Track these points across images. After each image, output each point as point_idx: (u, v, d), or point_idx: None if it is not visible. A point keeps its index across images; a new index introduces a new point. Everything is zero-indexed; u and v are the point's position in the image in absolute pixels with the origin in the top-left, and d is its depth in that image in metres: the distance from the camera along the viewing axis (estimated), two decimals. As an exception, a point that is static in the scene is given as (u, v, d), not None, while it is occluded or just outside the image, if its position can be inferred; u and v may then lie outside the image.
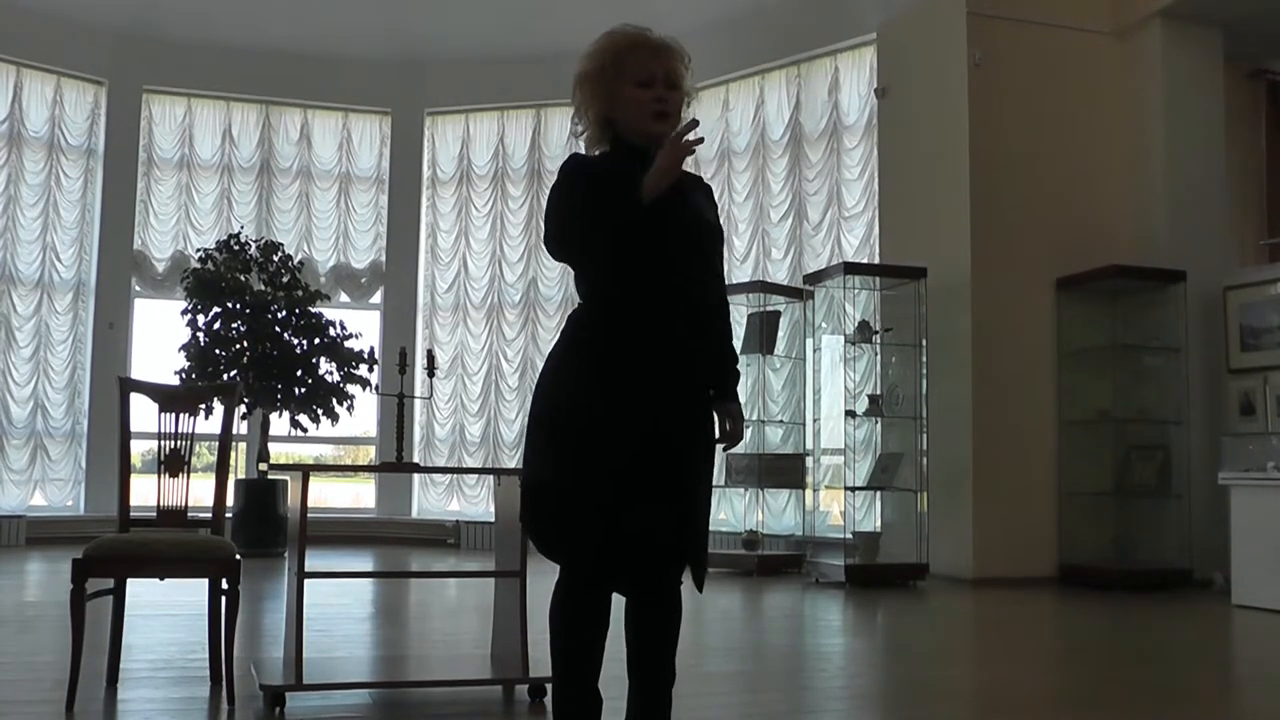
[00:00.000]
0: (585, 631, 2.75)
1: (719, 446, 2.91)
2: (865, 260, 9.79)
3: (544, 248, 2.82)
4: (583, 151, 2.91)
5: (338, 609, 6.54)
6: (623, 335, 2.72)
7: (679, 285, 2.76)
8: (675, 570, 2.80)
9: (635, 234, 2.69)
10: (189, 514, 4.21)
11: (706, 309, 2.83)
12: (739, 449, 9.55)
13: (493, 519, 4.77)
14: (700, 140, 2.72)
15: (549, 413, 2.76)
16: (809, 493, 9.45)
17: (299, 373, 10.29)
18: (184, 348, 10.14)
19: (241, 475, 10.63)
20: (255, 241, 10.81)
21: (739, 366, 2.97)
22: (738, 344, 9.65)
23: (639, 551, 2.70)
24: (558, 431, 2.72)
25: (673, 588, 2.83)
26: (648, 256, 2.73)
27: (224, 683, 3.88)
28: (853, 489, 8.72)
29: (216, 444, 4.31)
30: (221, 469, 4.29)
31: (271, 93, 12.22)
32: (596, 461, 2.67)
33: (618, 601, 2.80)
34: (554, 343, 2.87)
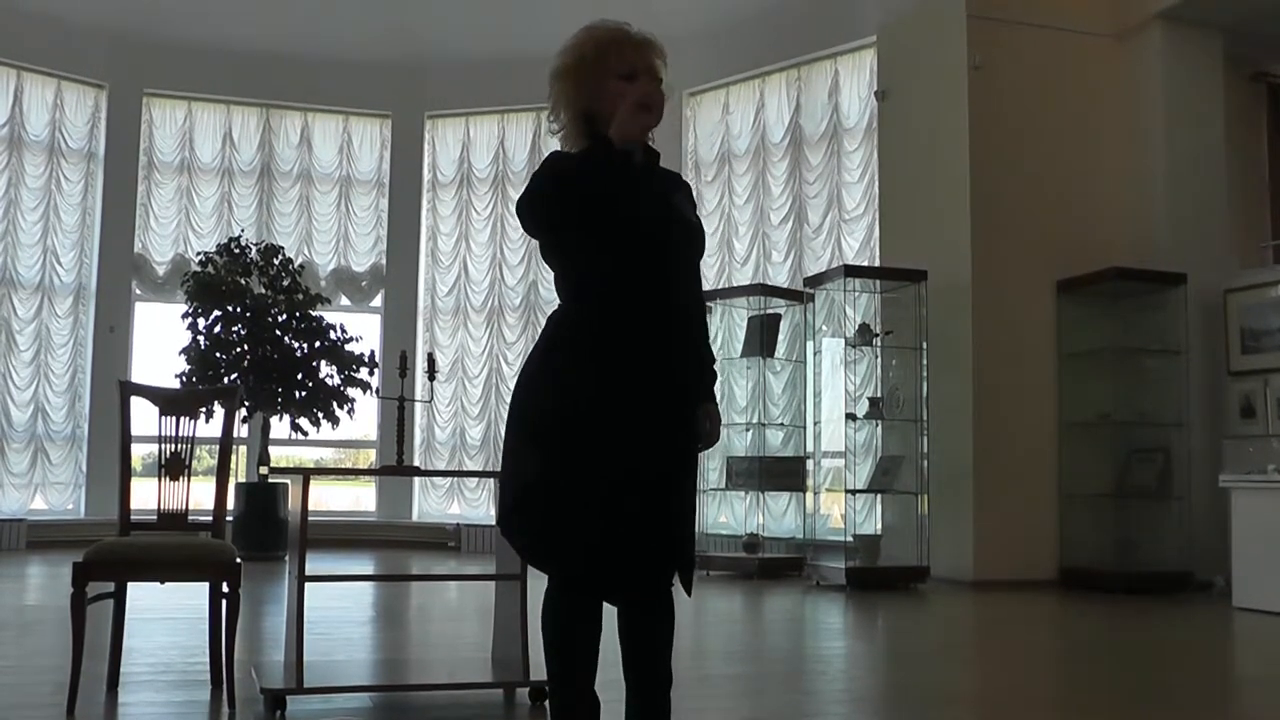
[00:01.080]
0: (578, 637, 2.74)
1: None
2: (865, 263, 9.79)
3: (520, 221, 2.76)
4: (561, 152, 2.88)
5: (338, 612, 6.54)
6: (605, 336, 2.70)
7: (660, 285, 2.74)
8: (666, 574, 2.79)
9: (619, 232, 2.68)
10: (189, 517, 4.20)
11: (686, 310, 2.82)
12: (739, 452, 9.61)
13: (493, 522, 4.76)
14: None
15: (533, 416, 2.73)
16: (809, 495, 9.44)
17: (299, 376, 10.29)
18: (184, 351, 10.14)
19: (242, 479, 10.63)
20: (256, 245, 10.81)
21: (715, 367, 2.96)
22: (738, 347, 9.72)
23: (629, 556, 2.68)
24: (542, 435, 2.69)
25: (664, 592, 2.81)
26: (629, 256, 2.71)
27: (225, 686, 3.88)
28: (853, 492, 8.72)
29: (217, 447, 4.31)
30: (222, 472, 4.28)
31: (272, 96, 12.23)
32: (583, 465, 2.65)
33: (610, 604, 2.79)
34: (534, 346, 2.84)
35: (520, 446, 2.74)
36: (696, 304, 2.89)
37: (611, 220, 2.69)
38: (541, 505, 2.68)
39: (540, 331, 2.87)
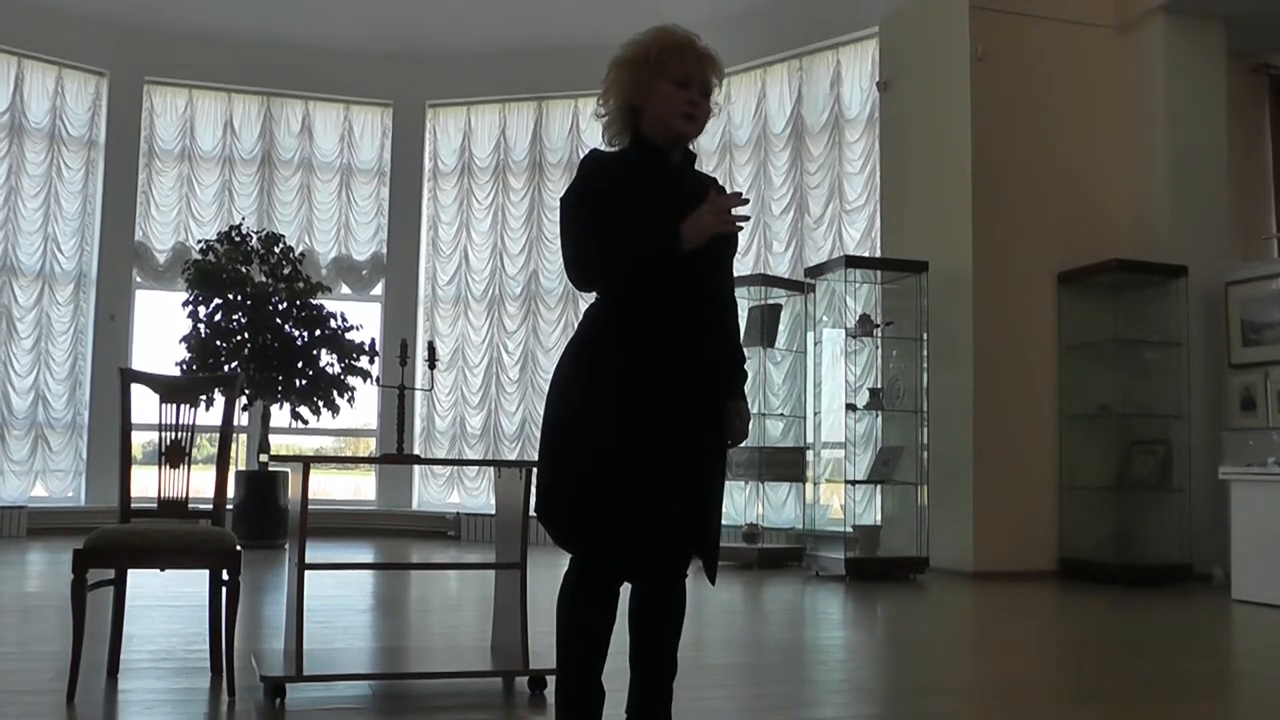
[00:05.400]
0: (592, 624, 2.78)
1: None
2: (866, 254, 9.79)
3: (567, 275, 2.84)
4: (592, 143, 2.93)
5: (338, 601, 6.55)
6: (640, 336, 2.74)
7: (695, 287, 2.78)
8: (682, 563, 2.83)
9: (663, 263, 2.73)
10: (190, 505, 4.21)
11: (720, 310, 2.88)
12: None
13: (493, 511, 4.77)
14: (747, 218, 2.81)
15: (568, 410, 2.77)
16: (809, 486, 9.45)
17: (300, 364, 10.29)
18: (185, 339, 10.14)
19: (242, 467, 10.64)
20: (256, 233, 10.81)
21: (745, 366, 3.00)
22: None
23: (653, 546, 2.73)
24: (575, 430, 2.74)
25: (678, 579, 2.85)
26: (668, 264, 2.75)
27: (224, 674, 3.88)
28: (853, 482, 8.73)
29: (217, 435, 4.31)
30: (222, 460, 4.29)
31: (273, 84, 12.22)
32: (616, 464, 2.69)
33: (623, 593, 2.82)
34: (571, 338, 2.89)
35: (553, 443, 2.78)
36: (728, 303, 2.95)
37: (648, 221, 2.72)
38: (570, 503, 2.73)
39: (576, 325, 2.92)
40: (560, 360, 2.87)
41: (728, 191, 3.01)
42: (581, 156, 2.87)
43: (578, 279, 2.81)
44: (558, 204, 2.91)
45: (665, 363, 2.74)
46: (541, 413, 2.93)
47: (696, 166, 3.01)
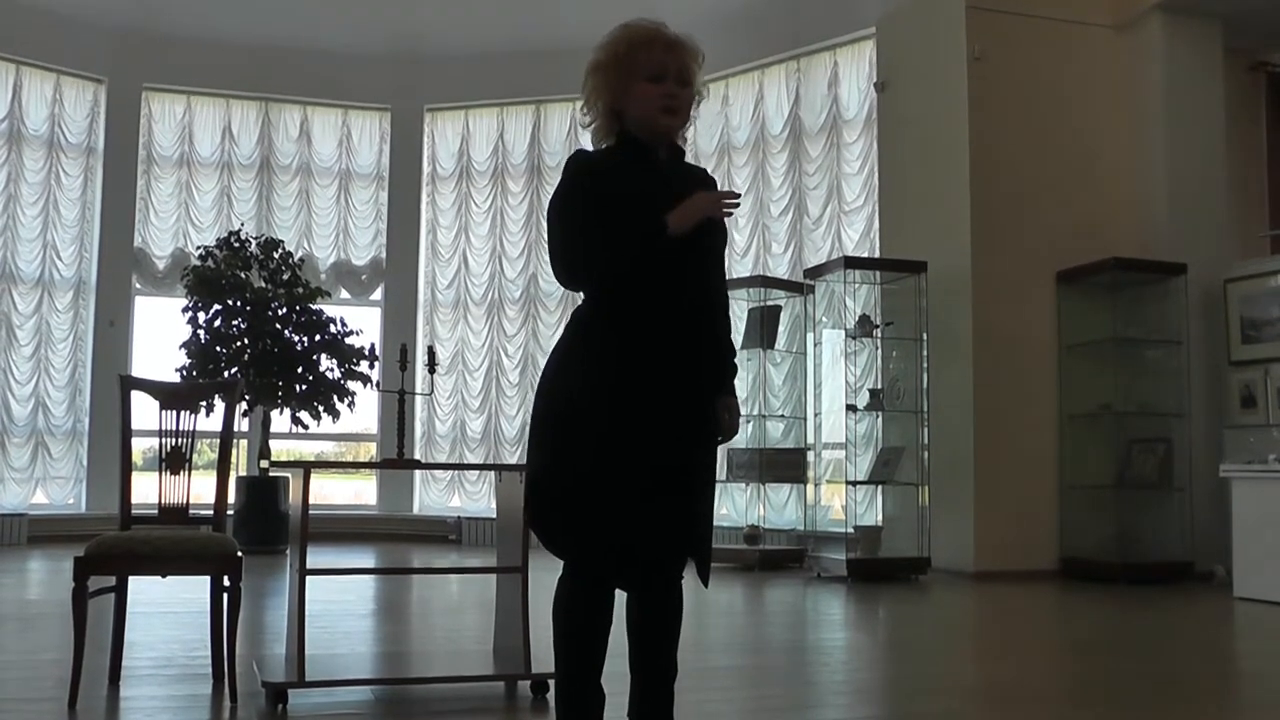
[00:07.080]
0: (588, 626, 2.76)
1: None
2: (865, 254, 9.79)
3: (553, 273, 2.83)
4: (587, 146, 2.92)
5: (339, 606, 6.54)
6: (628, 334, 2.73)
7: (684, 283, 2.77)
8: (678, 565, 2.81)
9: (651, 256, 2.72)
10: (190, 511, 4.21)
11: (709, 306, 2.85)
12: (740, 444, 9.60)
13: (494, 515, 4.77)
14: (737, 205, 2.81)
15: (557, 410, 2.76)
16: (810, 487, 9.44)
17: (300, 370, 10.29)
18: (185, 345, 10.15)
19: (243, 472, 10.64)
20: (255, 239, 10.81)
21: (736, 360, 2.98)
22: (738, 339, 9.72)
23: (646, 547, 2.72)
24: (565, 429, 2.73)
25: (675, 583, 2.84)
26: (655, 256, 2.74)
27: (226, 680, 3.88)
28: (854, 483, 8.73)
29: (218, 441, 4.31)
30: (222, 466, 4.29)
31: (271, 90, 12.23)
32: (605, 460, 2.68)
33: (620, 595, 2.81)
34: (559, 338, 2.88)
35: (542, 442, 2.77)
36: (718, 298, 2.92)
37: (634, 217, 2.71)
38: (559, 502, 2.72)
39: (565, 326, 2.90)
40: (548, 363, 2.85)
41: (718, 188, 3.00)
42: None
43: (565, 278, 2.80)
44: (553, 207, 2.88)
45: (656, 361, 2.72)
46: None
47: (690, 162, 3.00)
